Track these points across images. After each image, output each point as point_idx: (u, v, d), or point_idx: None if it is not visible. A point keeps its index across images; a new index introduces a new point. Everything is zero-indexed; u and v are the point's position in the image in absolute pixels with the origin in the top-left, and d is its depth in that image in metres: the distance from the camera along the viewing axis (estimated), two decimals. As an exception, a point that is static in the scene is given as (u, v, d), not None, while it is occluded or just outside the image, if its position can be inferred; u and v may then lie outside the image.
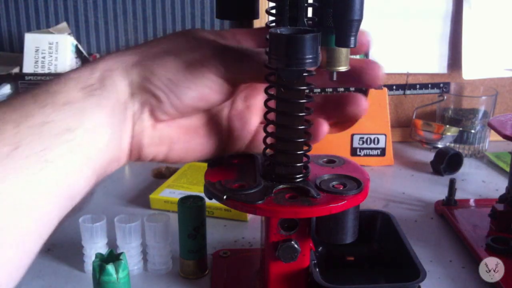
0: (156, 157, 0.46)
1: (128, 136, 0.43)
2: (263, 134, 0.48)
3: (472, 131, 0.93)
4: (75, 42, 0.94)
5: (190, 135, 0.47)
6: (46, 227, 0.36)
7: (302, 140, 0.45)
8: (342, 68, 0.44)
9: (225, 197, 0.44)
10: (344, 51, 0.44)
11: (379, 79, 0.47)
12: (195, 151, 0.48)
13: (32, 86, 0.41)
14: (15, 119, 0.36)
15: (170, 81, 0.43)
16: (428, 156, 0.92)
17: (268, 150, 0.47)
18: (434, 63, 1.02)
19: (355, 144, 0.90)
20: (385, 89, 0.90)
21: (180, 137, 0.46)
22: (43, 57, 0.94)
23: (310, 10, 0.44)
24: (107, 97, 0.41)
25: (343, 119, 0.49)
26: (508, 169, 0.85)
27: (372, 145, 0.90)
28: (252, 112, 0.50)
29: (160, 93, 0.43)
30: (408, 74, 0.97)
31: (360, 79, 0.47)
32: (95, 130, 0.39)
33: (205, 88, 0.44)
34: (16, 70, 0.96)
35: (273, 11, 0.44)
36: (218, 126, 0.49)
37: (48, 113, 0.37)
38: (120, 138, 0.42)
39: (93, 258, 0.46)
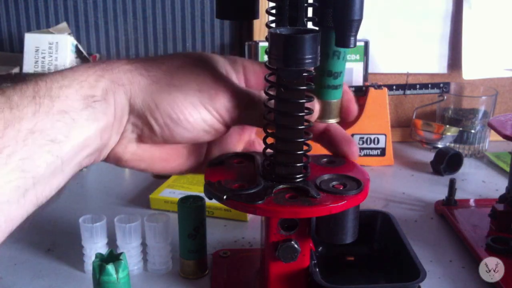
0: (133, 168, 0.47)
1: (109, 149, 0.44)
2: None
3: (472, 131, 0.93)
4: (75, 42, 0.94)
5: (171, 155, 0.48)
6: (4, 232, 0.36)
7: (302, 140, 0.45)
8: (333, 121, 0.48)
9: (225, 197, 0.44)
10: (335, 104, 0.47)
11: (354, 155, 0.51)
12: (173, 168, 0.49)
13: (41, 75, 0.40)
14: (7, 120, 0.36)
15: (171, 120, 0.43)
16: (428, 156, 0.92)
17: (268, 150, 0.47)
18: (434, 63, 1.02)
19: (355, 144, 0.90)
20: (385, 89, 0.90)
21: (161, 157, 0.47)
22: (43, 57, 0.94)
23: (310, 10, 0.44)
24: (104, 112, 0.41)
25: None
26: (508, 169, 0.85)
27: (372, 145, 0.90)
28: (233, 134, 0.51)
29: (157, 127, 0.43)
30: (408, 74, 0.97)
31: (337, 149, 0.51)
32: (81, 144, 0.39)
33: (202, 132, 0.45)
34: (16, 70, 0.96)
35: (273, 11, 0.44)
36: (200, 148, 0.50)
37: (40, 119, 0.37)
38: (101, 151, 0.43)
39: (93, 258, 0.46)
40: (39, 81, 0.39)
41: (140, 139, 0.45)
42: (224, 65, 0.47)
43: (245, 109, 0.45)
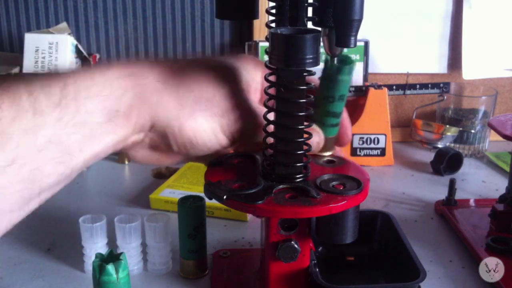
0: (141, 163, 0.49)
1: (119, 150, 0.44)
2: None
3: (472, 131, 0.93)
4: (75, 42, 0.94)
5: (178, 154, 0.48)
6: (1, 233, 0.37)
7: (302, 140, 0.45)
8: (329, 153, 0.51)
9: (225, 197, 0.44)
10: (333, 139, 0.50)
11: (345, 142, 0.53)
12: (178, 161, 0.50)
13: (70, 76, 0.38)
14: (27, 126, 0.35)
15: (191, 144, 0.44)
16: (428, 156, 0.92)
17: (268, 150, 0.47)
18: (434, 63, 1.02)
19: (355, 144, 0.90)
20: (385, 89, 0.90)
21: (168, 156, 0.48)
22: (43, 57, 0.94)
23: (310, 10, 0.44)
24: (123, 126, 0.40)
25: None
26: (508, 169, 0.85)
27: (372, 145, 0.90)
28: None
29: (175, 147, 0.44)
30: (408, 74, 0.97)
31: None
32: (94, 156, 0.39)
33: (214, 150, 0.46)
34: (16, 70, 0.96)
35: (273, 11, 0.44)
36: None
37: (60, 129, 0.36)
38: (107, 155, 0.43)
39: (93, 258, 0.46)
40: (69, 85, 0.38)
41: (154, 148, 0.45)
42: (246, 79, 0.47)
43: (256, 133, 0.46)
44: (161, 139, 0.44)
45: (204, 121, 0.44)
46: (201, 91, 0.44)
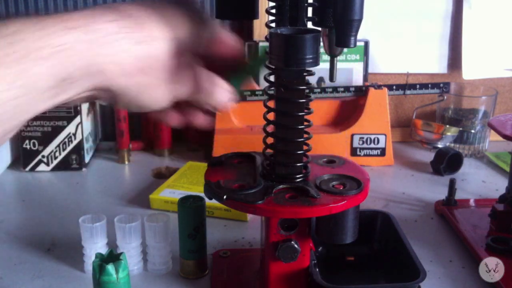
0: None
1: None
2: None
3: (472, 131, 0.93)
4: (75, 42, 0.94)
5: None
6: None
7: (302, 139, 0.45)
8: None
9: (225, 197, 0.44)
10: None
11: None
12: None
13: (22, 28, 0.35)
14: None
15: (137, 107, 0.42)
16: (428, 156, 0.92)
17: (268, 150, 0.47)
18: (434, 63, 1.02)
19: (355, 144, 0.90)
20: (385, 89, 0.90)
21: (103, 102, 0.46)
22: (43, 57, 0.94)
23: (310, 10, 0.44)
24: (74, 89, 0.37)
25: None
26: (508, 169, 0.85)
27: (372, 145, 0.90)
28: None
29: (119, 106, 0.42)
30: (408, 74, 0.97)
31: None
32: (33, 116, 0.37)
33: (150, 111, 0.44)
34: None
35: (273, 11, 0.44)
36: None
37: (1, 90, 0.33)
38: None
39: (93, 258, 0.46)
40: (17, 42, 0.34)
41: (94, 98, 0.42)
42: (206, 46, 0.44)
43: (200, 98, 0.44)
44: (109, 97, 0.41)
45: (161, 91, 0.42)
46: (165, 63, 0.41)
